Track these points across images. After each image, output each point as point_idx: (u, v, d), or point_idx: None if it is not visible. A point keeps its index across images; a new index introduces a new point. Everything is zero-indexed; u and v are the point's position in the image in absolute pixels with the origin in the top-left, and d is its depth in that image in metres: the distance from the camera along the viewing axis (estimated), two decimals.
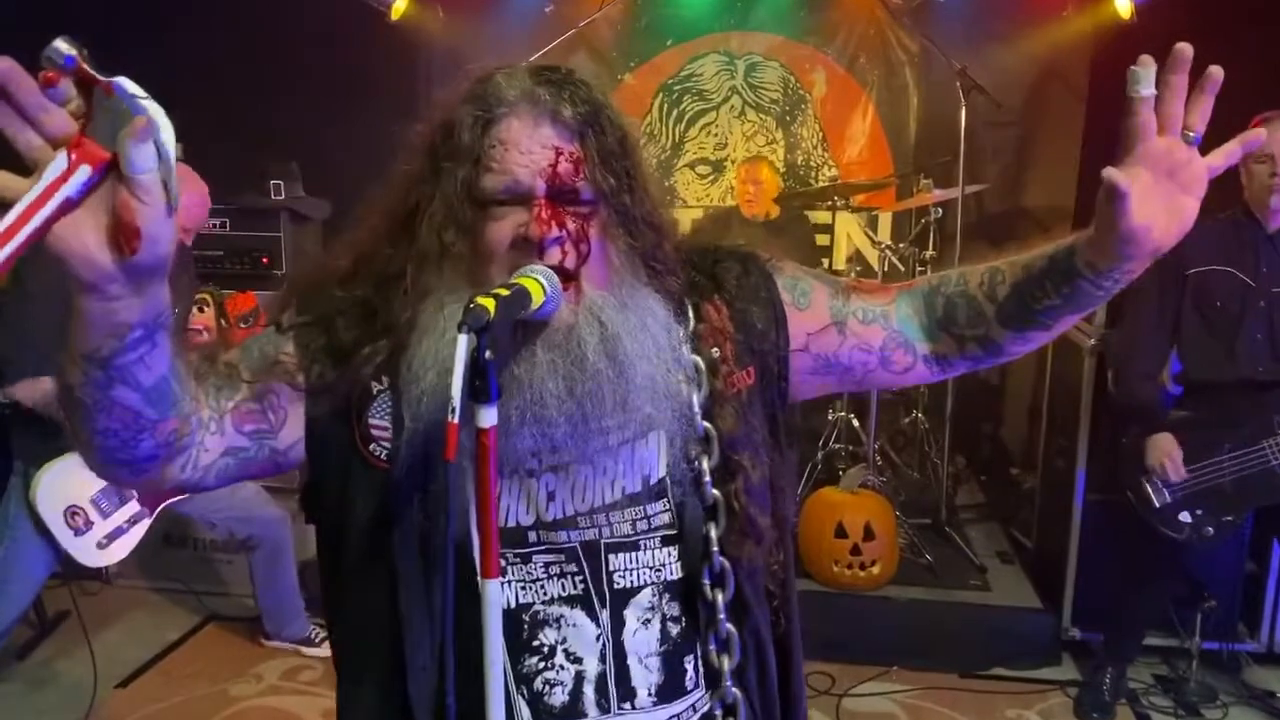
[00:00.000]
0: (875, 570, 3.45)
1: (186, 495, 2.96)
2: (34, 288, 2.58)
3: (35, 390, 2.63)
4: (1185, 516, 2.74)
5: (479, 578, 0.84)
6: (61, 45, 0.73)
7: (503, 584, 1.01)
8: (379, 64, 4.41)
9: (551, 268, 0.96)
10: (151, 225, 0.75)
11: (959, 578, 3.60)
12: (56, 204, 0.73)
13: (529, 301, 0.87)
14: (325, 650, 3.41)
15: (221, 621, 3.65)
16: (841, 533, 3.43)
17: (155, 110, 0.74)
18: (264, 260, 3.77)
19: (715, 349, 1.08)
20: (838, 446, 4.20)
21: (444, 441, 0.77)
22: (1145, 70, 0.91)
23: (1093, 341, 3.23)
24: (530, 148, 0.97)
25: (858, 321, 1.15)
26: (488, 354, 0.78)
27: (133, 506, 2.90)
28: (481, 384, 0.79)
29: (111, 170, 0.74)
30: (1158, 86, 0.91)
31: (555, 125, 0.98)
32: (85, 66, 0.74)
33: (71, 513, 2.75)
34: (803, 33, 4.89)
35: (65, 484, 2.75)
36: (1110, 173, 0.91)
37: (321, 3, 4.28)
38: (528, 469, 1.00)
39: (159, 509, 2.95)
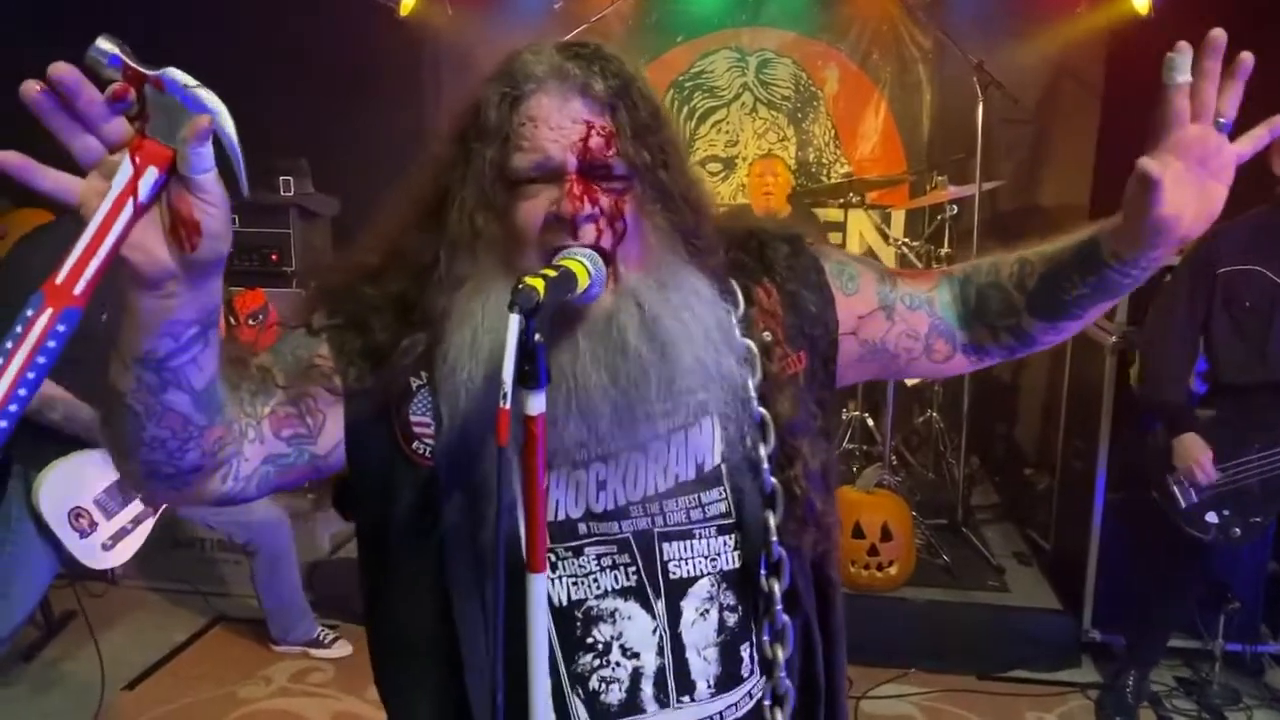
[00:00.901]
0: (893, 571, 3.40)
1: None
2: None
3: (41, 394, 2.59)
4: (1212, 517, 2.70)
5: (527, 572, 0.79)
6: (105, 44, 0.71)
7: (553, 580, 0.98)
8: (387, 61, 4.38)
9: (589, 247, 0.92)
10: (212, 221, 0.74)
11: (977, 578, 3.55)
12: (131, 213, 0.71)
13: (575, 284, 0.83)
14: (335, 651, 3.37)
15: (229, 623, 3.61)
16: (859, 533, 3.38)
17: (210, 99, 0.72)
18: (273, 257, 3.73)
19: (767, 332, 1.05)
20: (852, 446, 4.16)
21: (491, 430, 0.73)
22: (1182, 57, 0.91)
23: (1114, 339, 3.18)
24: (560, 123, 0.93)
25: (905, 308, 1.13)
26: (537, 337, 0.74)
27: (136, 507, 2.85)
28: (530, 369, 0.74)
29: (174, 167, 0.72)
30: (1192, 73, 0.90)
31: (585, 99, 0.94)
32: (131, 63, 0.71)
33: (76, 514, 2.70)
34: (815, 29, 4.85)
35: (68, 486, 2.71)
36: (1145, 162, 0.90)
37: (334, 2, 4.26)
38: (576, 459, 0.96)
39: (162, 508, 2.91)
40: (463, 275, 0.97)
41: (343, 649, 3.38)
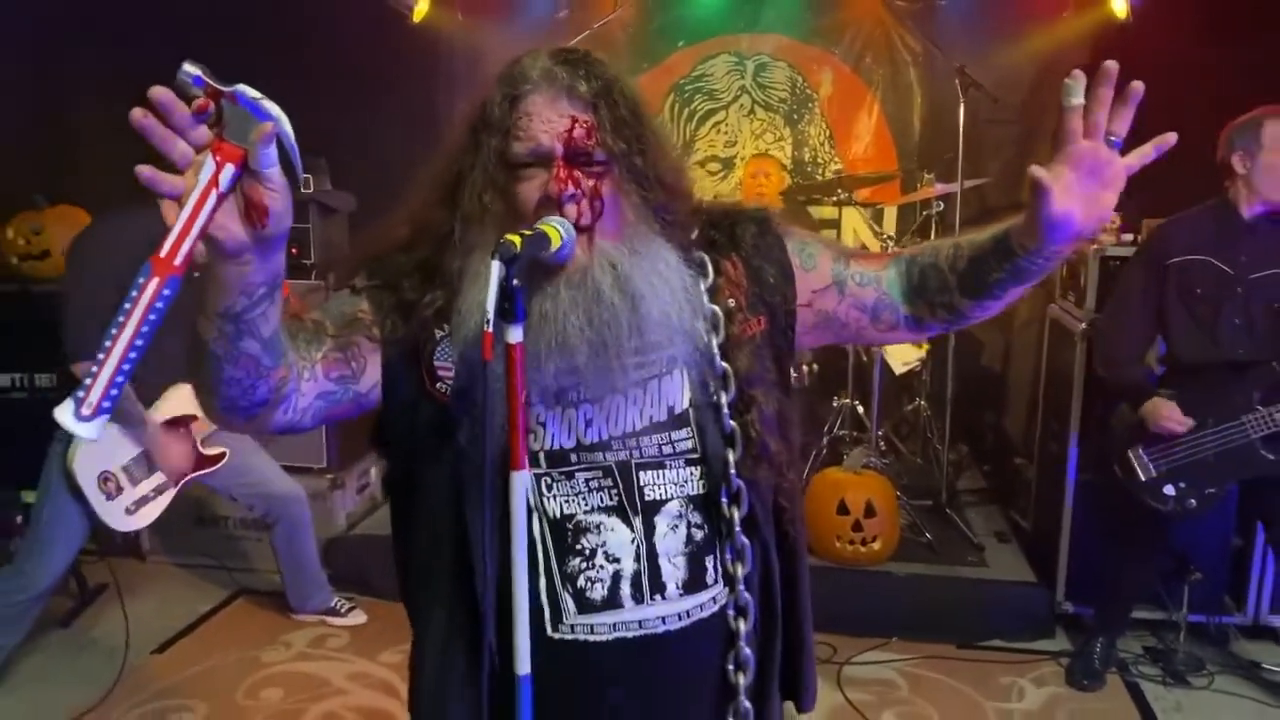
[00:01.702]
0: (876, 546, 3.59)
1: (216, 468, 3.15)
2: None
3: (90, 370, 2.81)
4: (1169, 489, 2.88)
5: (511, 471, 1.00)
6: (190, 68, 0.91)
7: (549, 498, 1.18)
8: (401, 65, 4.59)
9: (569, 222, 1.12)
10: (277, 204, 0.94)
11: (958, 555, 3.74)
12: (215, 200, 0.91)
13: (548, 243, 1.04)
14: (351, 620, 3.58)
15: (251, 595, 3.82)
16: (843, 510, 3.58)
17: (273, 108, 0.93)
18: (294, 250, 3.94)
19: (731, 299, 1.24)
20: (843, 432, 4.35)
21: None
22: (1077, 84, 1.07)
23: (1083, 326, 3.37)
24: (550, 117, 1.13)
25: (855, 284, 1.32)
26: (515, 281, 0.95)
27: (159, 477, 3.07)
28: (509, 306, 0.95)
29: (246, 163, 0.92)
30: (1086, 98, 1.07)
31: (571, 98, 1.14)
32: (211, 82, 0.91)
33: (104, 478, 2.93)
34: (810, 34, 5.06)
35: (99, 452, 2.93)
36: (1035, 171, 1.08)
37: (348, 6, 4.48)
38: (568, 400, 1.16)
39: (183, 481, 3.12)
40: (473, 243, 1.17)
41: (358, 618, 3.59)
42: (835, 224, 5.03)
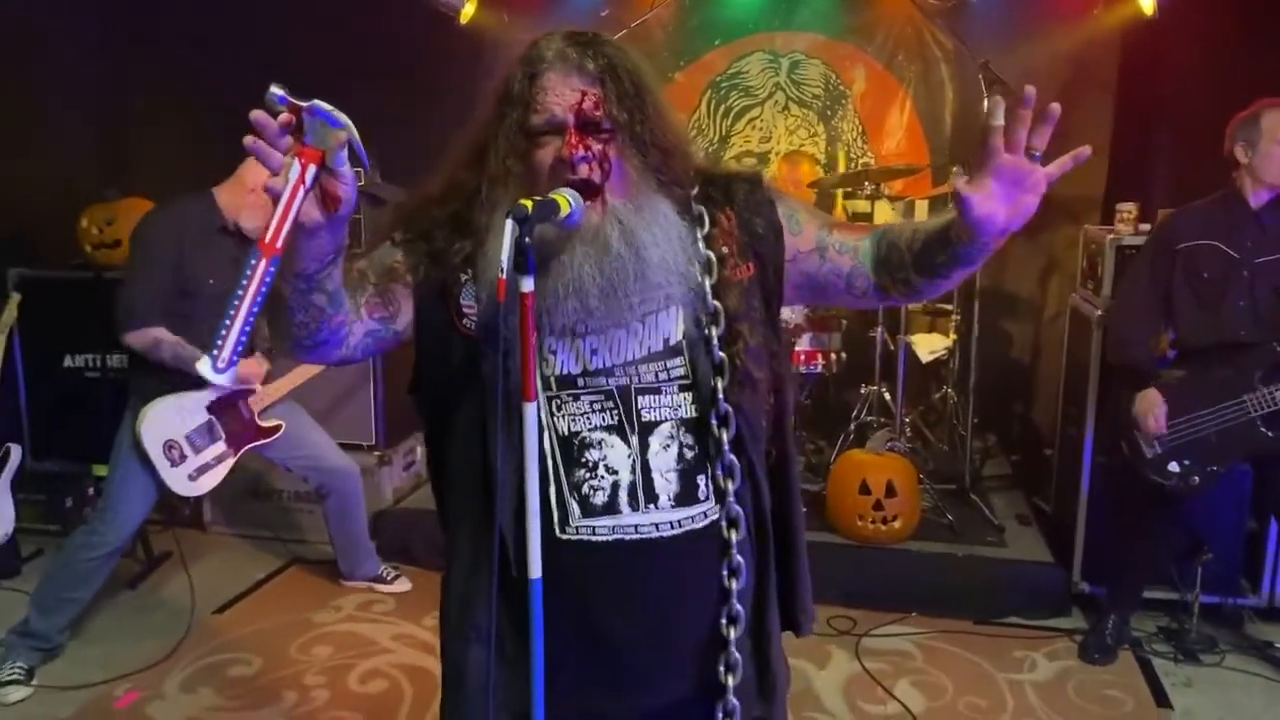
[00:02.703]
0: (896, 525, 3.73)
1: (272, 439, 3.38)
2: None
3: (146, 338, 3.07)
4: (1174, 466, 2.99)
5: (521, 401, 1.18)
6: (275, 90, 1.15)
7: (558, 416, 1.36)
8: (448, 64, 4.81)
9: (582, 180, 1.31)
10: (346, 194, 1.20)
11: (978, 535, 3.85)
12: (303, 194, 1.17)
13: (557, 209, 1.22)
14: (397, 587, 3.80)
15: (304, 564, 4.07)
16: (865, 490, 3.72)
17: (343, 117, 1.17)
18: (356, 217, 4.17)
19: (725, 247, 1.42)
20: (870, 419, 4.47)
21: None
22: (997, 107, 1.23)
23: (1099, 313, 3.48)
24: (563, 91, 1.32)
25: (835, 251, 1.49)
26: (527, 239, 1.13)
27: (220, 446, 3.31)
28: (522, 260, 1.13)
29: (323, 162, 1.17)
30: (1007, 118, 1.22)
31: (581, 75, 1.33)
32: (293, 100, 1.16)
33: (169, 446, 3.17)
34: (843, 32, 5.18)
35: (166, 420, 3.18)
36: (957, 184, 1.25)
37: (398, 8, 4.72)
38: (576, 331, 1.35)
39: (242, 450, 3.35)
40: (497, 200, 1.36)
41: (403, 585, 3.81)
42: (868, 216, 5.17)
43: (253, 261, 1.14)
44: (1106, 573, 3.49)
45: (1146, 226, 3.54)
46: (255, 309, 1.15)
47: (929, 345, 4.38)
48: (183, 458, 3.21)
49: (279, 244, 1.15)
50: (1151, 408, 2.97)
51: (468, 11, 4.85)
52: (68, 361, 4.38)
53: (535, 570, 1.22)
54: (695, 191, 1.45)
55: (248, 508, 4.32)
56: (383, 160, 4.39)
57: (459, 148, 1.44)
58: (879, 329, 4.35)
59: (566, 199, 1.24)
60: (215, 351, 1.15)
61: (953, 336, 4.48)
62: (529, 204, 1.17)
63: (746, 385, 1.39)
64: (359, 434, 4.23)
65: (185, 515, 4.33)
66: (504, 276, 1.11)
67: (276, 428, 3.38)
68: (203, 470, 3.27)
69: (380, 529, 4.06)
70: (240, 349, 1.15)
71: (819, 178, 4.90)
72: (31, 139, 4.48)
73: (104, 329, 3.24)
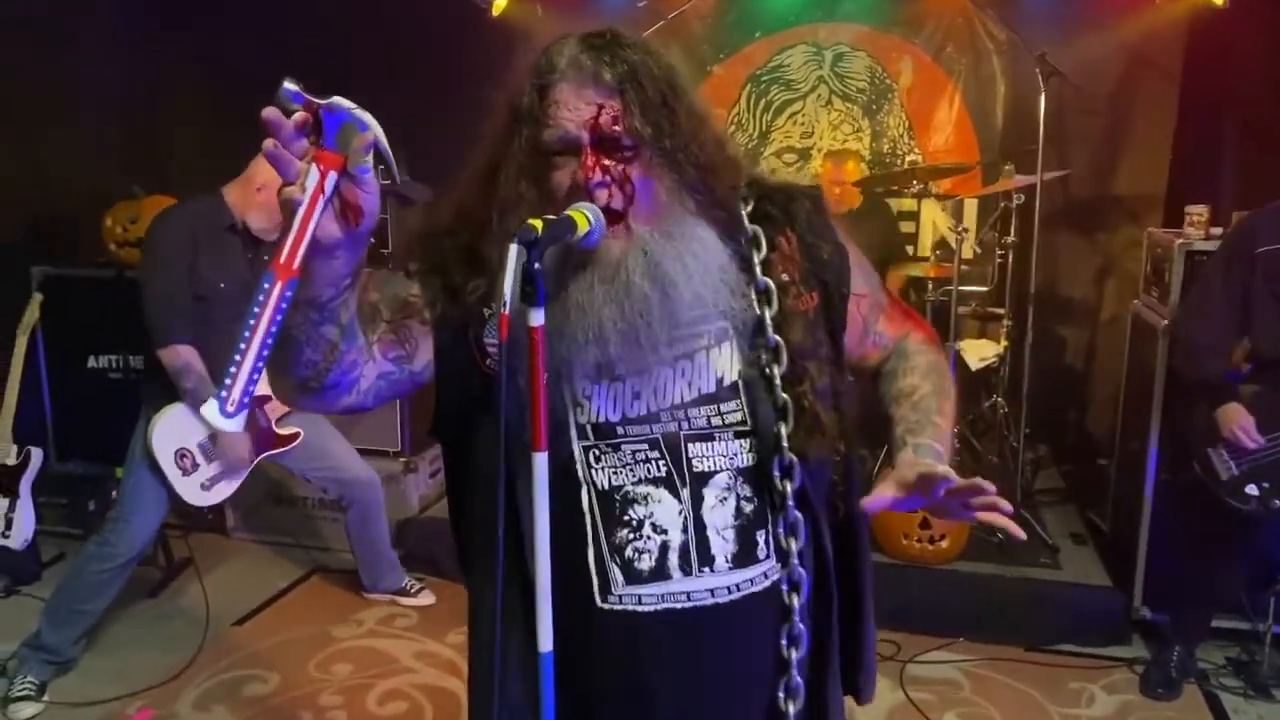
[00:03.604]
0: (944, 544, 3.53)
1: (289, 448, 3.26)
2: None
3: (177, 360, 2.95)
4: (1252, 489, 2.77)
5: (532, 452, 1.02)
6: (289, 86, 0.98)
7: (596, 469, 1.20)
8: (480, 58, 4.66)
9: (601, 208, 1.14)
10: (370, 204, 1.02)
11: (1030, 556, 3.65)
12: (322, 206, 0.99)
13: (574, 228, 1.05)
14: (420, 600, 3.67)
15: (326, 573, 3.95)
16: None
17: (367, 117, 1.00)
18: (372, 240, 4.03)
19: (785, 274, 1.26)
20: None
21: (518, 338, 0.97)
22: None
23: (1166, 323, 3.25)
24: (577, 105, 1.15)
25: (872, 343, 1.40)
26: (536, 265, 0.97)
27: None
28: (530, 289, 0.97)
29: (344, 168, 0.99)
30: (965, 493, 1.14)
31: (597, 86, 1.15)
32: (309, 98, 0.98)
33: (181, 454, 3.06)
34: (890, 23, 4.96)
35: (177, 428, 3.06)
36: (864, 502, 1.20)
37: (430, 2, 4.58)
38: (615, 374, 1.18)
39: (256, 460, 3.24)
40: (510, 230, 1.17)
41: (427, 598, 3.68)
42: (914, 215, 4.97)
43: (265, 285, 0.97)
44: (1171, 598, 3.27)
45: (1218, 231, 3.30)
46: (270, 341, 0.98)
47: (979, 352, 4.17)
48: (195, 466, 3.10)
49: (295, 264, 0.98)
50: (1237, 421, 2.74)
51: (500, 4, 4.70)
52: (91, 362, 4.30)
53: (545, 644, 1.06)
54: (749, 208, 1.28)
55: (270, 514, 4.22)
56: (410, 158, 4.25)
57: (468, 170, 1.28)
58: None
59: (585, 215, 1.08)
60: (224, 392, 0.96)
61: (1004, 343, 4.26)
62: (538, 224, 1.00)
63: (815, 432, 1.22)
64: (384, 440, 4.11)
65: (207, 520, 4.23)
66: (506, 311, 0.94)
67: (294, 436, 3.25)
68: (216, 480, 3.16)
69: (405, 538, 3.94)
70: (253, 388, 0.98)
71: (864, 176, 4.68)
72: (58, 135, 4.41)
73: (128, 329, 3.15)
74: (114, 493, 4.21)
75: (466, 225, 1.25)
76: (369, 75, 4.77)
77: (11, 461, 3.65)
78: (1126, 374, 3.78)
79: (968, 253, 4.23)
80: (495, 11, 4.74)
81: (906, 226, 4.99)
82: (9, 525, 3.64)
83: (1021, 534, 1.18)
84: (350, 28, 4.56)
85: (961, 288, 4.02)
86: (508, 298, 0.94)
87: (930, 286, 4.13)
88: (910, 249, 4.94)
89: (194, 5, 4.78)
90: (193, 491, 3.10)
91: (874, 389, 1.42)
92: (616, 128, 1.15)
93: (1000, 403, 4.42)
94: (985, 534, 3.73)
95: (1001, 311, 4.37)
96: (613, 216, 1.15)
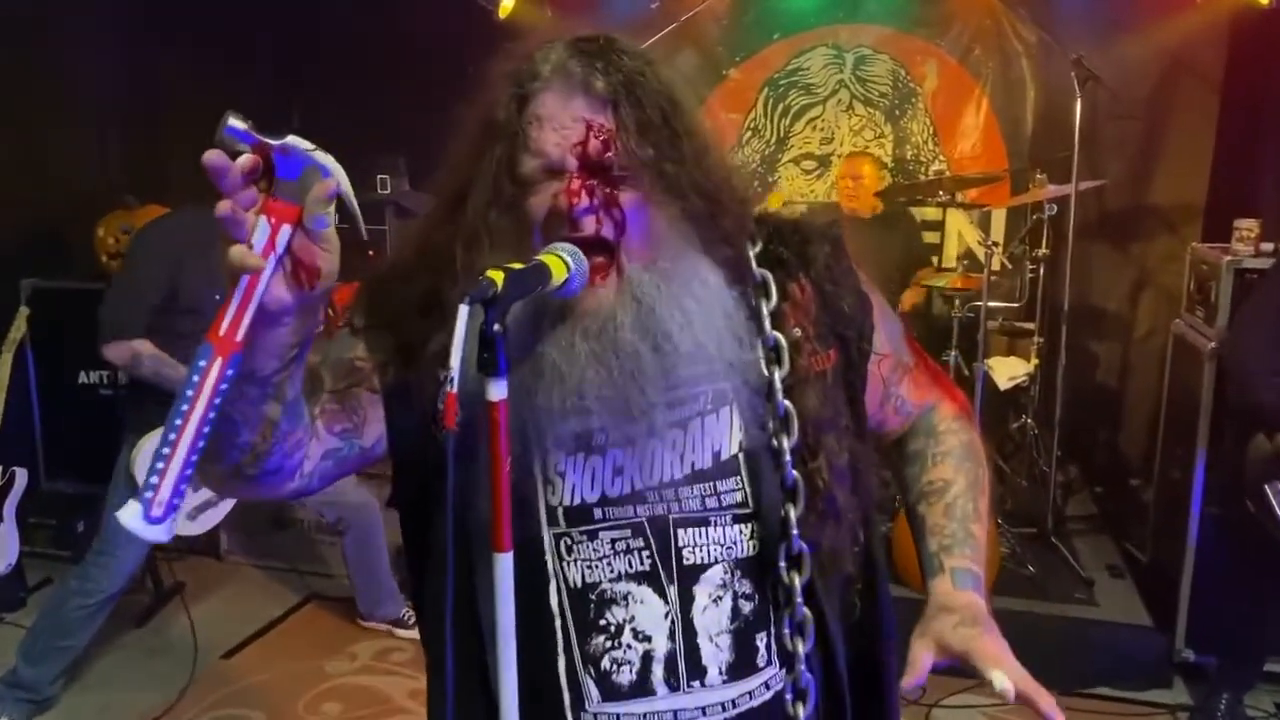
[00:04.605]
0: None
1: None
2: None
3: (124, 352, 2.80)
4: None
5: (494, 552, 0.83)
6: (234, 122, 0.80)
7: (569, 562, 1.02)
8: (485, 63, 4.50)
9: (589, 238, 0.95)
10: (328, 264, 0.85)
11: (1063, 590, 3.44)
12: (271, 266, 0.82)
13: (548, 277, 0.86)
14: (416, 632, 3.49)
15: (321, 600, 3.78)
16: None
17: (327, 161, 0.83)
18: (371, 253, 3.88)
19: (798, 328, 1.06)
20: None
21: (473, 416, 0.79)
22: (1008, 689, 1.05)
23: (1213, 345, 3.04)
24: (563, 122, 0.96)
25: (893, 408, 1.21)
26: (495, 327, 0.78)
27: None
28: (489, 356, 0.78)
29: (300, 221, 0.82)
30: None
31: (587, 98, 0.96)
32: (260, 137, 0.81)
33: None
34: (914, 24, 4.76)
35: None
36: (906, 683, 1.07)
37: (431, 2, 4.40)
38: (595, 445, 1.00)
39: None
40: (478, 271, 1.01)
41: None
42: (939, 225, 4.75)
43: (201, 362, 0.81)
44: (1218, 640, 3.06)
45: (1269, 247, 3.08)
46: (206, 430, 0.80)
47: (1008, 371, 3.96)
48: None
49: (239, 336, 0.82)
50: None
51: (507, 5, 4.51)
52: (82, 378, 4.15)
53: None
54: (758, 249, 1.08)
55: (267, 538, 4.07)
56: (412, 165, 4.10)
57: (434, 198, 1.09)
58: (953, 353, 3.92)
59: (562, 260, 0.89)
60: (149, 493, 0.79)
61: (1034, 361, 4.05)
62: (498, 276, 0.81)
63: (829, 516, 1.03)
64: (383, 461, 3.93)
65: (200, 543, 4.07)
66: (452, 389, 0.75)
67: None
68: (203, 508, 3.01)
69: (403, 564, 3.75)
70: (185, 486, 0.80)
71: (887, 185, 4.47)
72: (50, 143, 4.28)
73: None
74: (105, 514, 4.07)
75: (428, 265, 1.05)
76: (365, 79, 4.64)
77: None
78: (1167, 398, 3.56)
79: (996, 264, 4.02)
80: (502, 13, 4.55)
81: (930, 236, 4.78)
82: None
83: None
84: (347, 31, 4.40)
85: (990, 303, 3.81)
86: (454, 374, 0.75)
87: (956, 302, 3.92)
88: (935, 259, 4.72)
89: (190, 12, 4.63)
90: (180, 522, 2.93)
91: (895, 459, 1.25)
92: (608, 152, 0.96)
93: (1030, 424, 4.21)
94: (1016, 566, 3.52)
95: (1031, 327, 4.16)
96: (600, 250, 0.96)
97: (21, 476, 3.57)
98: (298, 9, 4.42)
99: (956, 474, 1.19)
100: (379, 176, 3.90)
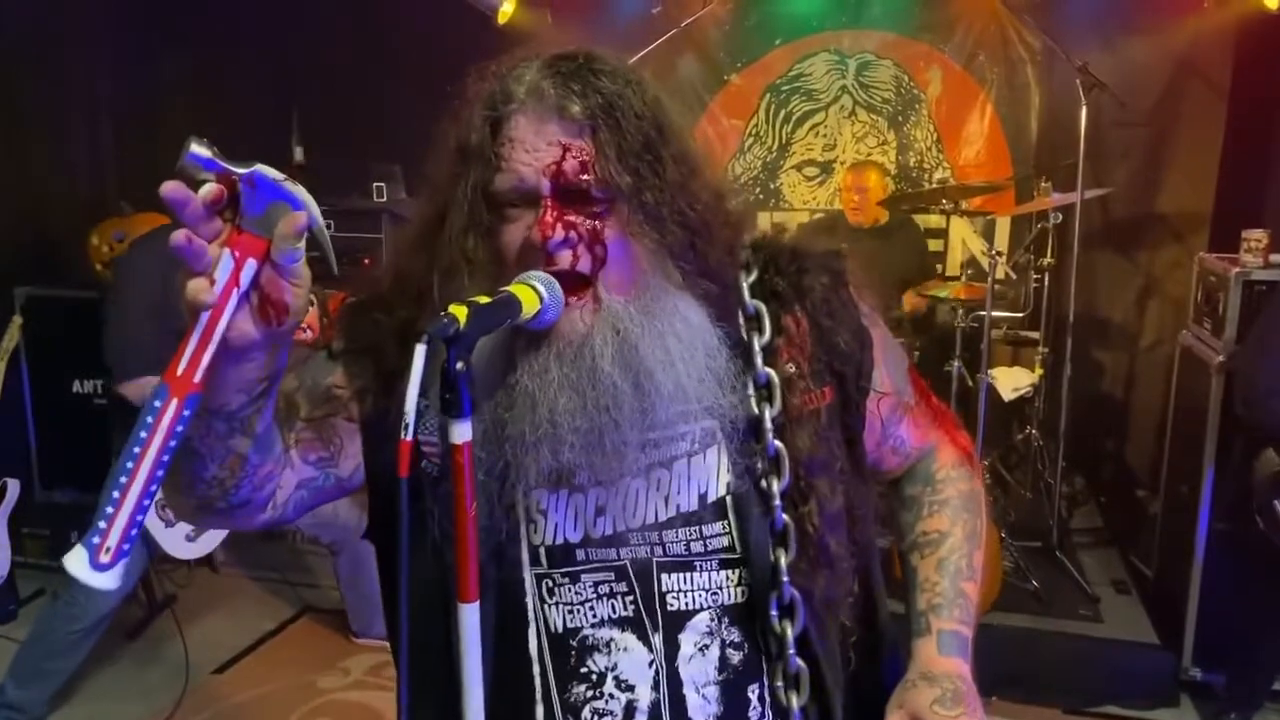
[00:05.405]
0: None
1: None
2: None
3: (140, 390, 2.75)
4: None
5: (457, 601, 0.79)
6: (198, 149, 0.76)
7: (549, 605, 0.97)
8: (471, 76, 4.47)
9: (565, 272, 0.90)
10: (297, 301, 0.81)
11: (1068, 607, 3.38)
12: (235, 304, 0.78)
13: (518, 309, 0.81)
14: None
15: (315, 614, 3.74)
16: None
17: (298, 192, 0.78)
18: (366, 261, 3.84)
19: (791, 364, 1.02)
20: None
21: (438, 459, 0.74)
22: None
23: (1221, 359, 2.98)
24: (536, 145, 0.91)
25: (890, 449, 1.16)
26: (459, 365, 0.73)
27: None
28: (452, 397, 0.73)
29: (267, 255, 0.78)
30: None
31: (562, 121, 0.92)
32: (225, 165, 0.77)
33: (163, 505, 2.84)
34: (918, 30, 4.70)
35: None
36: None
37: (429, 6, 4.36)
38: (578, 483, 0.95)
39: None
40: (453, 299, 0.97)
41: None
42: (942, 232, 4.70)
43: (156, 404, 0.77)
44: (1225, 658, 3.00)
45: (1278, 258, 3.02)
46: (160, 474, 0.76)
47: (1012, 382, 3.91)
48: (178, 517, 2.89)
49: (197, 377, 0.78)
50: None
51: (506, 11, 4.47)
52: (76, 387, 4.11)
53: None
54: (752, 279, 1.03)
55: (261, 549, 4.02)
56: (409, 173, 4.05)
57: (411, 221, 1.05)
58: (956, 363, 3.87)
59: (534, 290, 0.84)
60: (96, 539, 0.75)
61: (1039, 371, 4.00)
62: (461, 312, 0.76)
63: (820, 564, 0.99)
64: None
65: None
66: (406, 436, 0.70)
67: None
68: (202, 529, 2.95)
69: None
70: (136, 531, 0.76)
71: (890, 192, 4.42)
72: (46, 149, 4.25)
73: None
74: None
75: (405, 293, 1.01)
76: (363, 86, 4.60)
77: None
78: (1174, 411, 3.50)
79: (1000, 273, 3.96)
80: (502, 19, 4.51)
81: (934, 244, 4.73)
82: None
83: None
84: (350, 38, 4.36)
85: (994, 312, 3.75)
86: (409, 419, 0.70)
87: (960, 311, 3.86)
88: (939, 267, 4.67)
89: (186, 16, 4.60)
90: (177, 543, 2.92)
91: (891, 500, 1.21)
92: (585, 176, 0.91)
93: (1034, 435, 4.15)
94: (1020, 580, 3.46)
95: (1036, 337, 4.10)
96: (576, 283, 0.91)
97: (14, 487, 3.53)
98: (296, 16, 4.38)
99: (953, 526, 1.15)
100: (375, 185, 3.86)
